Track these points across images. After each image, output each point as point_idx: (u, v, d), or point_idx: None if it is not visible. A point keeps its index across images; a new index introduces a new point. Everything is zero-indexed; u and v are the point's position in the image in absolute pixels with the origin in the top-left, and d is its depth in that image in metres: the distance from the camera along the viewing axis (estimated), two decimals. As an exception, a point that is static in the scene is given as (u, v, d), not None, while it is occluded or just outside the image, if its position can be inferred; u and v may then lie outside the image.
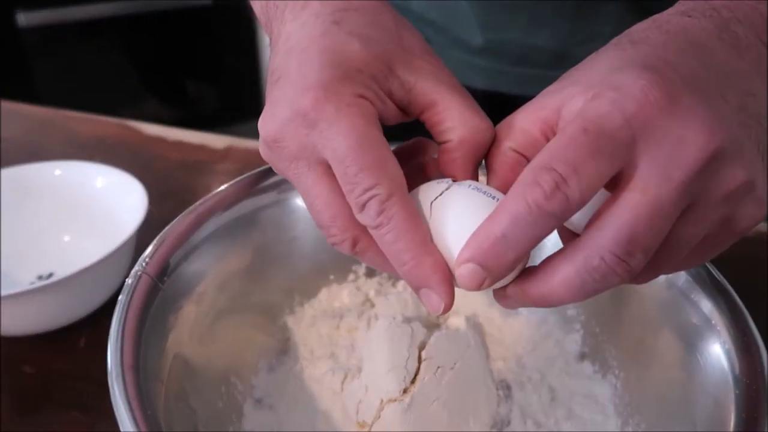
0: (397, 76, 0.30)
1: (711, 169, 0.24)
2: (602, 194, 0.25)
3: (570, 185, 0.23)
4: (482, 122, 0.30)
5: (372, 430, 0.44)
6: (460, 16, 0.67)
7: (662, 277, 0.46)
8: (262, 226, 0.53)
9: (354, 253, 0.29)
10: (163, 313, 0.42)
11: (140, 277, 0.39)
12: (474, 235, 0.25)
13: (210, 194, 0.49)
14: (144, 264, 0.41)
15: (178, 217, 0.46)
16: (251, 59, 1.83)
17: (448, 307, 0.26)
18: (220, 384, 0.46)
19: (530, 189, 0.23)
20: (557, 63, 0.67)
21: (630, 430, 0.45)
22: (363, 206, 0.26)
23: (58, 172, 0.60)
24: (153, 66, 1.90)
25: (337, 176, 0.28)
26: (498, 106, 0.57)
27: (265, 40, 1.80)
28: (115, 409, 0.32)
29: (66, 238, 0.60)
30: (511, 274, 0.27)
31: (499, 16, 0.65)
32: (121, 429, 0.31)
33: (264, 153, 0.33)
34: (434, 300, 0.26)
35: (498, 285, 0.28)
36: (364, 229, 0.28)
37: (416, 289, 0.27)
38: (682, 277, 0.46)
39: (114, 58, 1.83)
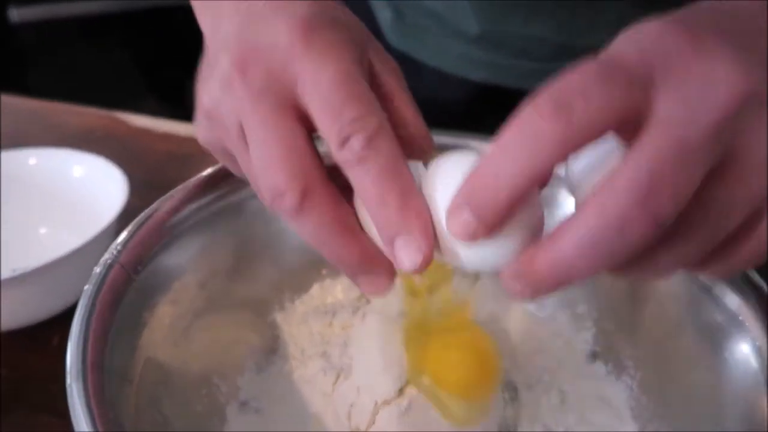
0: (368, 57, 0.28)
1: (746, 118, 0.20)
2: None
3: (575, 107, 0.19)
4: (428, 132, 0.29)
5: (366, 435, 0.40)
6: (456, 5, 0.64)
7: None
8: (250, 217, 0.49)
9: (298, 211, 0.24)
10: (137, 308, 0.38)
11: (110, 266, 0.36)
12: (464, 180, 0.22)
13: (193, 178, 0.45)
14: (116, 252, 0.37)
15: (156, 202, 0.42)
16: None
17: (428, 258, 0.23)
18: (200, 386, 0.43)
19: (525, 116, 0.20)
20: (558, 56, 0.63)
21: (649, 436, 0.41)
22: (347, 138, 0.23)
23: (33, 160, 0.56)
24: (151, 64, 1.87)
25: (316, 110, 0.24)
26: (498, 99, 0.53)
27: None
28: (71, 412, 0.29)
29: (42, 231, 0.57)
30: (517, 238, 0.23)
31: (496, 6, 0.62)
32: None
33: (210, 99, 0.28)
34: (412, 250, 0.22)
35: (503, 255, 0.23)
36: (318, 180, 0.24)
37: (393, 239, 0.23)
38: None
39: (112, 56, 1.80)
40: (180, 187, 0.44)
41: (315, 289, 0.52)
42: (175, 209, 0.43)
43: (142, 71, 1.88)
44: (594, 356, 0.47)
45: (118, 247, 0.37)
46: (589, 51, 0.27)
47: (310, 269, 0.52)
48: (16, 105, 0.88)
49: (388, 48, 0.35)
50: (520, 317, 0.51)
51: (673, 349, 0.43)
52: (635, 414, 0.43)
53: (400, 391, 0.40)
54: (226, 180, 0.47)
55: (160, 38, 1.81)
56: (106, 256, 0.36)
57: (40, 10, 1.57)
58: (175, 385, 0.40)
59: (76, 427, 0.27)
